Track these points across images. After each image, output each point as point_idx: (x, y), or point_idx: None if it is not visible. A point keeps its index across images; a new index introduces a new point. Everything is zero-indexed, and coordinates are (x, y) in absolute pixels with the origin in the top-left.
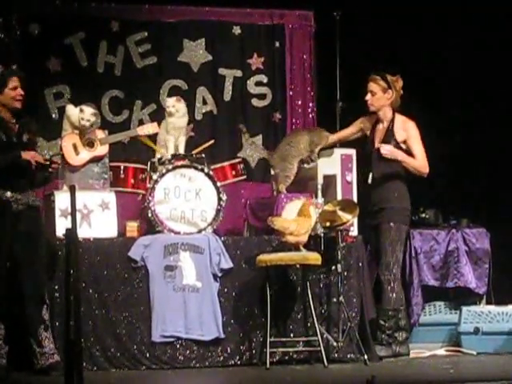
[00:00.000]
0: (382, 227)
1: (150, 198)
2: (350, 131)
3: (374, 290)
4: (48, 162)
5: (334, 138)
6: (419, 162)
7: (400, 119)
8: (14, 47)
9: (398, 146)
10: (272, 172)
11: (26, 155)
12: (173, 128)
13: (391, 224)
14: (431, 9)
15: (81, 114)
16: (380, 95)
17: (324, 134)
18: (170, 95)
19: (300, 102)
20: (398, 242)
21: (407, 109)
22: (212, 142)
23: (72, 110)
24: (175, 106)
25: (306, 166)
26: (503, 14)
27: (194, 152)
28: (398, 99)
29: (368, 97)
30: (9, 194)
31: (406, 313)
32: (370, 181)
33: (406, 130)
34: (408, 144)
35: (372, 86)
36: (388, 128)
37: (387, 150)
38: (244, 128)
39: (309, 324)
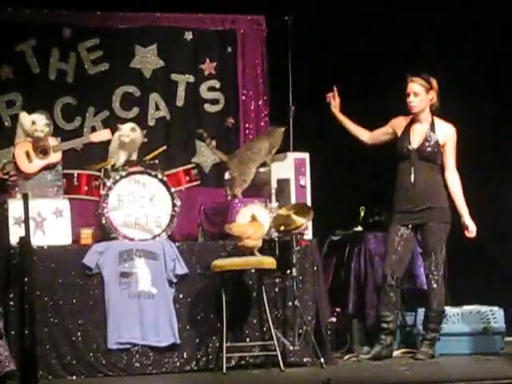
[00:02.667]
0: (432, 227)
1: (104, 205)
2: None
3: (329, 293)
4: (6, 177)
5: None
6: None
7: (440, 122)
8: None
9: (438, 149)
10: (226, 176)
11: None
12: (127, 146)
13: (441, 224)
14: (383, 10)
15: (33, 125)
16: (423, 96)
17: (279, 132)
18: (122, 101)
19: (253, 107)
20: (444, 242)
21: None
22: (164, 147)
23: (25, 119)
24: (130, 136)
25: (260, 170)
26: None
27: (146, 158)
28: (437, 100)
29: (411, 98)
30: None
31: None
32: (412, 180)
33: (448, 134)
34: (444, 149)
35: (414, 86)
36: (428, 130)
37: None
38: (204, 133)
39: (265, 328)
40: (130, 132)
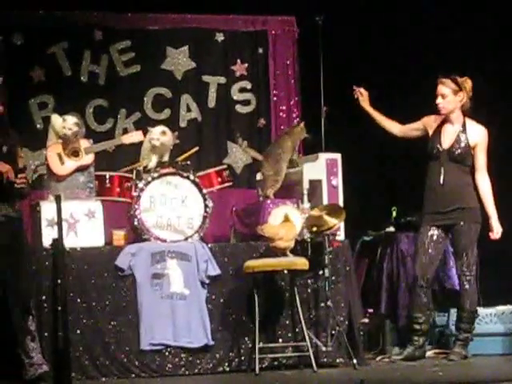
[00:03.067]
0: (463, 227)
1: (136, 206)
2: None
3: (362, 293)
4: (17, 180)
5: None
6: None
7: (472, 123)
8: None
9: (468, 150)
10: (258, 177)
11: (2, 167)
12: (157, 149)
13: (471, 225)
14: (414, 12)
15: (63, 123)
16: (451, 98)
17: (297, 129)
18: (154, 103)
19: (284, 108)
20: (475, 243)
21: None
22: (196, 148)
23: (56, 120)
24: (160, 140)
25: (291, 170)
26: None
27: (179, 159)
28: (468, 101)
29: (439, 100)
30: None
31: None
32: (441, 181)
33: (478, 135)
34: (475, 150)
35: (442, 88)
36: (460, 131)
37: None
38: (237, 134)
39: (297, 329)
40: (160, 135)
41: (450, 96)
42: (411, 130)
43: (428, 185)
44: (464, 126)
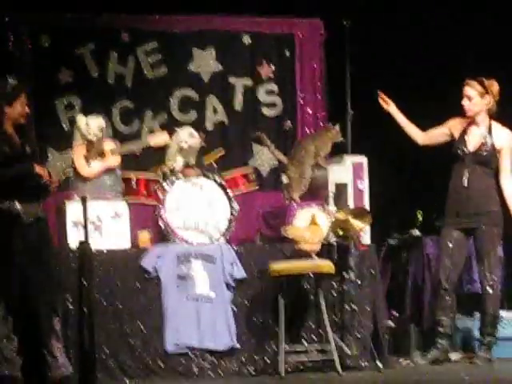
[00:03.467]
0: (484, 231)
1: (162, 208)
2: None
3: (387, 296)
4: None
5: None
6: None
7: (498, 126)
8: (26, 59)
9: (494, 153)
10: (284, 180)
11: (39, 169)
12: (184, 151)
13: (493, 228)
14: (443, 16)
15: (87, 128)
16: (477, 100)
17: (328, 141)
18: (180, 105)
19: (310, 111)
20: (498, 246)
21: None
22: (222, 151)
23: (81, 120)
24: (188, 143)
25: (317, 173)
26: None
27: (205, 162)
28: (494, 104)
29: (465, 102)
30: (18, 206)
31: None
32: (465, 184)
33: (504, 139)
34: (500, 153)
35: (468, 90)
36: (485, 134)
37: None
38: (259, 133)
39: (322, 332)
40: (188, 138)
41: (476, 98)
42: (437, 135)
43: (452, 187)
44: (490, 128)
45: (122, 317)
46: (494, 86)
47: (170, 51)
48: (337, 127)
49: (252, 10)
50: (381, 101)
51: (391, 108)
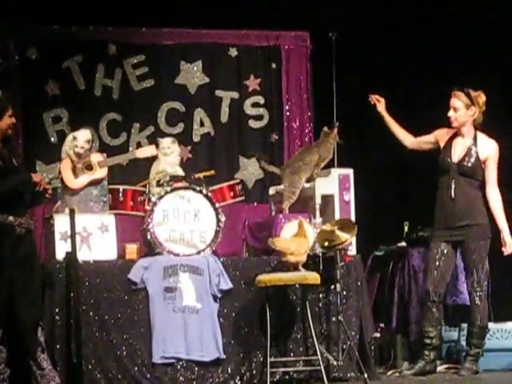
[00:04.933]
0: (472, 244)
1: (149, 220)
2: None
3: (373, 308)
4: (48, 187)
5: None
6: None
7: (483, 137)
8: (13, 72)
9: (479, 164)
10: (271, 192)
11: (36, 177)
12: (168, 164)
13: (481, 242)
14: (429, 29)
15: (74, 141)
16: (463, 111)
17: (330, 146)
18: (167, 117)
19: (297, 123)
20: (486, 258)
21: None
22: (213, 172)
23: (68, 137)
24: (170, 148)
25: (305, 185)
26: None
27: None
28: (480, 116)
29: (451, 113)
30: (11, 218)
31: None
32: (452, 195)
33: (489, 149)
34: (486, 164)
35: (455, 101)
36: (470, 145)
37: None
38: (257, 155)
39: (309, 343)
40: (170, 144)
41: (462, 109)
42: (423, 142)
43: (438, 199)
44: (475, 139)
45: (109, 328)
46: (481, 97)
47: (157, 64)
48: (335, 130)
49: (239, 22)
50: (373, 101)
51: (382, 108)
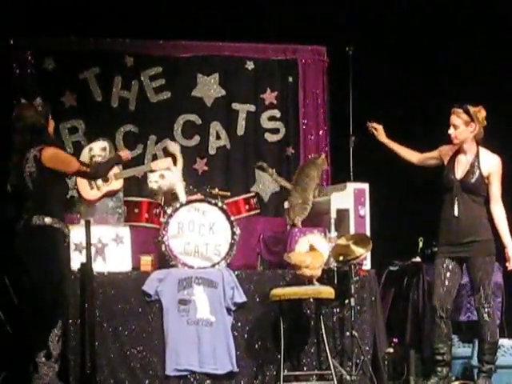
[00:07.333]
0: (477, 261)
1: (164, 233)
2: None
3: (387, 323)
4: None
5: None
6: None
7: (485, 153)
8: (30, 82)
9: (482, 180)
10: (286, 205)
11: (124, 154)
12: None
13: (486, 258)
14: (446, 43)
15: (90, 152)
16: (463, 128)
17: (319, 160)
18: (183, 130)
19: (313, 137)
20: (492, 274)
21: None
22: (228, 194)
23: (84, 150)
24: (158, 183)
25: (319, 199)
26: None
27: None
28: (481, 131)
29: (451, 130)
30: (66, 229)
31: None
32: (456, 213)
33: (492, 165)
34: (489, 180)
35: (454, 119)
36: (473, 161)
37: None
38: (264, 164)
39: (322, 358)
40: (158, 178)
41: (462, 127)
42: (428, 158)
43: (442, 216)
44: (477, 155)
45: (123, 339)
46: (481, 113)
47: (174, 76)
48: (323, 156)
49: (256, 36)
50: (371, 129)
51: (381, 136)
